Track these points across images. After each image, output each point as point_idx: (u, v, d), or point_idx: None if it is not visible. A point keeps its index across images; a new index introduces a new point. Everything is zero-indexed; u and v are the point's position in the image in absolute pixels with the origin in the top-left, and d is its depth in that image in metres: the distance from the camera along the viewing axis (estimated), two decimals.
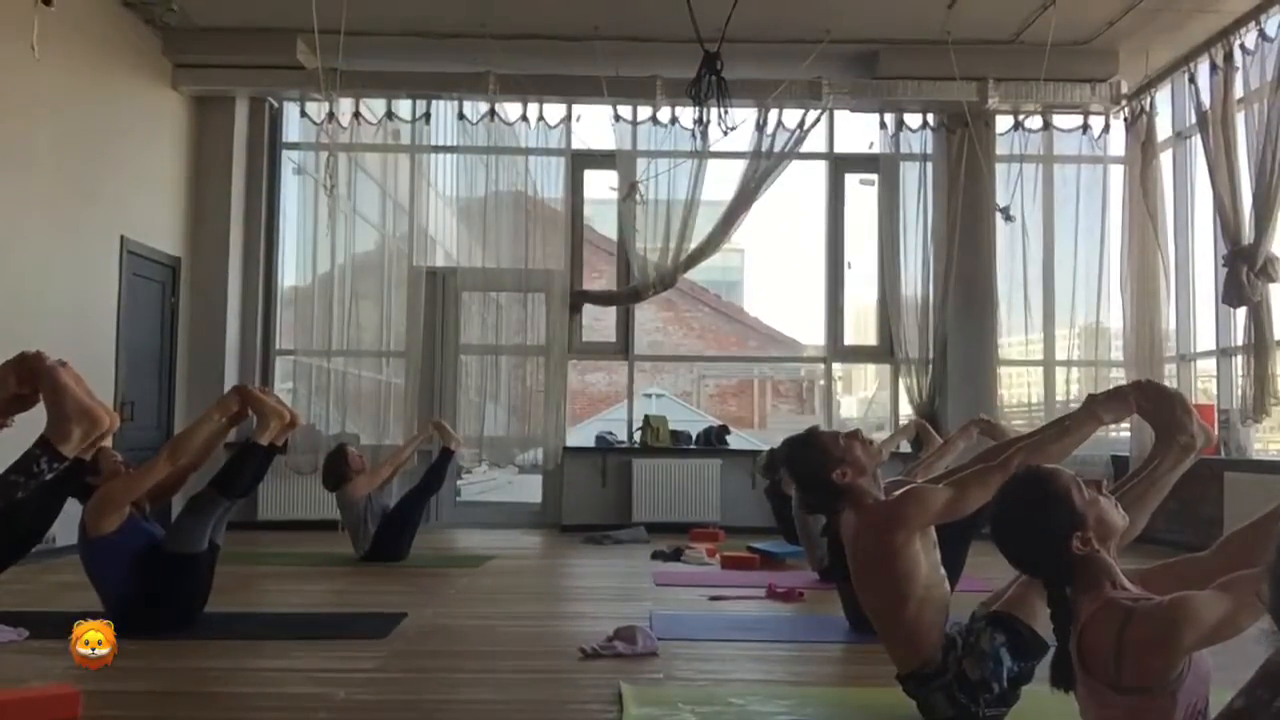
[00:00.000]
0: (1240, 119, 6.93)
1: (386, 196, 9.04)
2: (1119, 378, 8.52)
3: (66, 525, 6.53)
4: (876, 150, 8.91)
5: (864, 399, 14.90)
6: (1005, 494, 2.34)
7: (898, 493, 3.00)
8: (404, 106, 8.70)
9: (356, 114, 8.58)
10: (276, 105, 8.89)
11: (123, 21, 7.45)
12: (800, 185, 9.72)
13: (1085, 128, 8.60)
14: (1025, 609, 2.71)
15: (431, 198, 9.01)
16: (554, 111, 8.62)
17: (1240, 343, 7.00)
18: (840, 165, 9.08)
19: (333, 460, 6.38)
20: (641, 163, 8.59)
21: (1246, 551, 2.15)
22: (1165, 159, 8.28)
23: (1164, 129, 8.29)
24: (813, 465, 3.07)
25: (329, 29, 6.64)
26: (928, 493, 2.91)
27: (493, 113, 8.51)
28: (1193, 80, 7.44)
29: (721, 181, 8.69)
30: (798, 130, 8.49)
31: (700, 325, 18.44)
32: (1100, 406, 2.95)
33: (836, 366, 9.54)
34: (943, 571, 2.96)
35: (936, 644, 2.78)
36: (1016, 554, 2.30)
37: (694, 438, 8.97)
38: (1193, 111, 7.48)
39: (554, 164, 8.70)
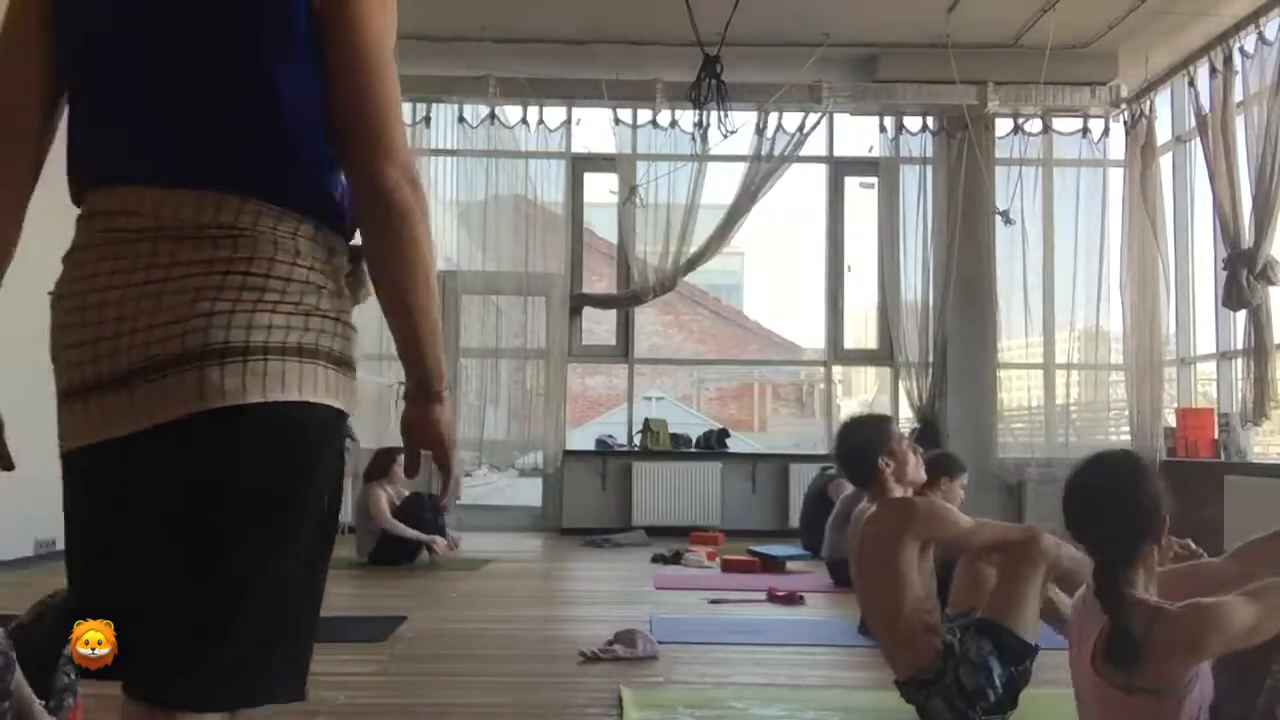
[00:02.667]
0: (1240, 122, 6.94)
1: None
2: (1119, 381, 8.54)
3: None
4: (876, 154, 8.92)
5: (864, 402, 14.90)
6: (1106, 463, 2.30)
7: (921, 499, 3.02)
8: (404, 109, 8.70)
9: None
10: None
11: None
12: (800, 188, 9.73)
13: (1085, 131, 8.61)
14: (1009, 611, 2.73)
15: (431, 201, 8.99)
16: (554, 115, 8.63)
17: (1240, 346, 7.00)
18: (840, 168, 9.09)
19: (384, 455, 6.45)
20: (641, 166, 8.59)
21: (1265, 560, 2.15)
22: (1165, 162, 8.28)
23: (1163, 132, 8.30)
24: (870, 440, 3.13)
25: None
26: (949, 512, 2.94)
27: (493, 116, 8.52)
28: (1192, 84, 7.45)
29: (721, 185, 8.71)
30: (797, 133, 8.49)
31: (700, 328, 18.45)
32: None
33: (836, 369, 9.55)
34: (936, 600, 2.97)
35: (935, 651, 2.79)
36: (1096, 523, 2.23)
37: (694, 441, 8.97)
38: (1192, 115, 7.49)
39: (554, 167, 8.71)
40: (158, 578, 1.23)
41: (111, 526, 1.27)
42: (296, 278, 1.28)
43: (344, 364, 1.32)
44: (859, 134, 9.11)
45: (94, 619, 1.28)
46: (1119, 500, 2.18)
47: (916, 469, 3.12)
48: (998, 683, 2.70)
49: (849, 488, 5.82)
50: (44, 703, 2.48)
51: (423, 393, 1.36)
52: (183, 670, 1.23)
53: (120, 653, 1.27)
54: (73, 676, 2.58)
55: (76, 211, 1.42)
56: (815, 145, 8.77)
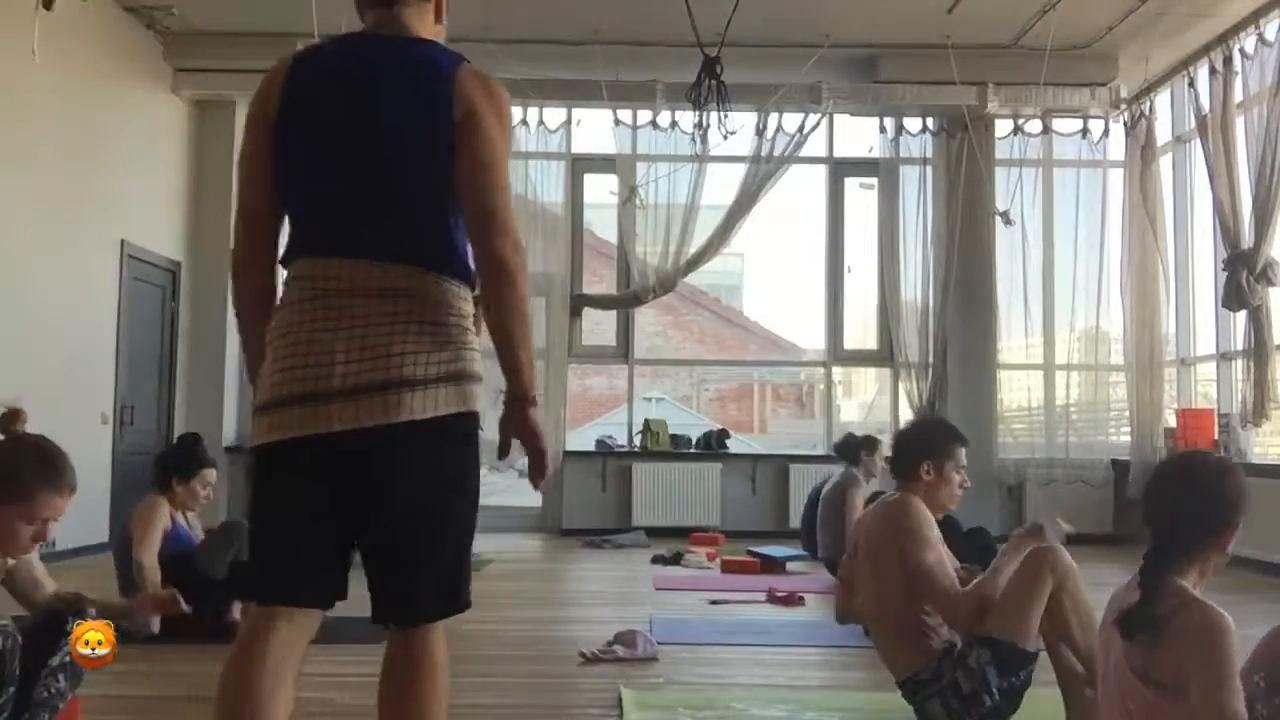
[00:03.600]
0: (1240, 123, 6.94)
1: None
2: (1119, 381, 8.54)
3: (69, 527, 6.53)
4: (876, 154, 8.93)
5: (864, 403, 14.88)
6: (1199, 457, 2.27)
7: (922, 508, 2.94)
8: None
9: None
10: None
11: (123, 26, 7.46)
12: (800, 189, 9.71)
13: (1085, 132, 8.61)
14: (1011, 623, 2.73)
15: None
16: (554, 115, 8.63)
17: (1240, 347, 7.01)
18: (840, 169, 9.10)
19: None
20: (641, 167, 8.59)
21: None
22: (1165, 163, 8.29)
23: (1163, 133, 8.30)
24: (929, 441, 3.08)
25: (329, 34, 6.64)
26: (932, 537, 2.87)
27: None
28: (1192, 84, 7.45)
29: (721, 185, 8.71)
30: (797, 134, 8.50)
31: (700, 329, 18.41)
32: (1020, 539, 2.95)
33: (836, 370, 9.55)
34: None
35: (932, 651, 2.79)
36: (1168, 507, 2.20)
37: (694, 441, 8.97)
38: (1192, 116, 7.49)
39: (554, 168, 8.71)
40: (394, 541, 1.88)
41: (326, 501, 1.84)
42: (450, 323, 1.88)
43: (476, 379, 1.92)
44: (859, 135, 9.12)
45: (308, 568, 1.87)
46: (1198, 489, 2.17)
47: (948, 498, 3.03)
48: (995, 690, 2.70)
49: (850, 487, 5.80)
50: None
51: (520, 400, 1.92)
52: (432, 596, 1.91)
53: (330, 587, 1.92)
54: (52, 691, 2.44)
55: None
56: (815, 146, 8.77)
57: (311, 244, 1.90)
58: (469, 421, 1.91)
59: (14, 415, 2.41)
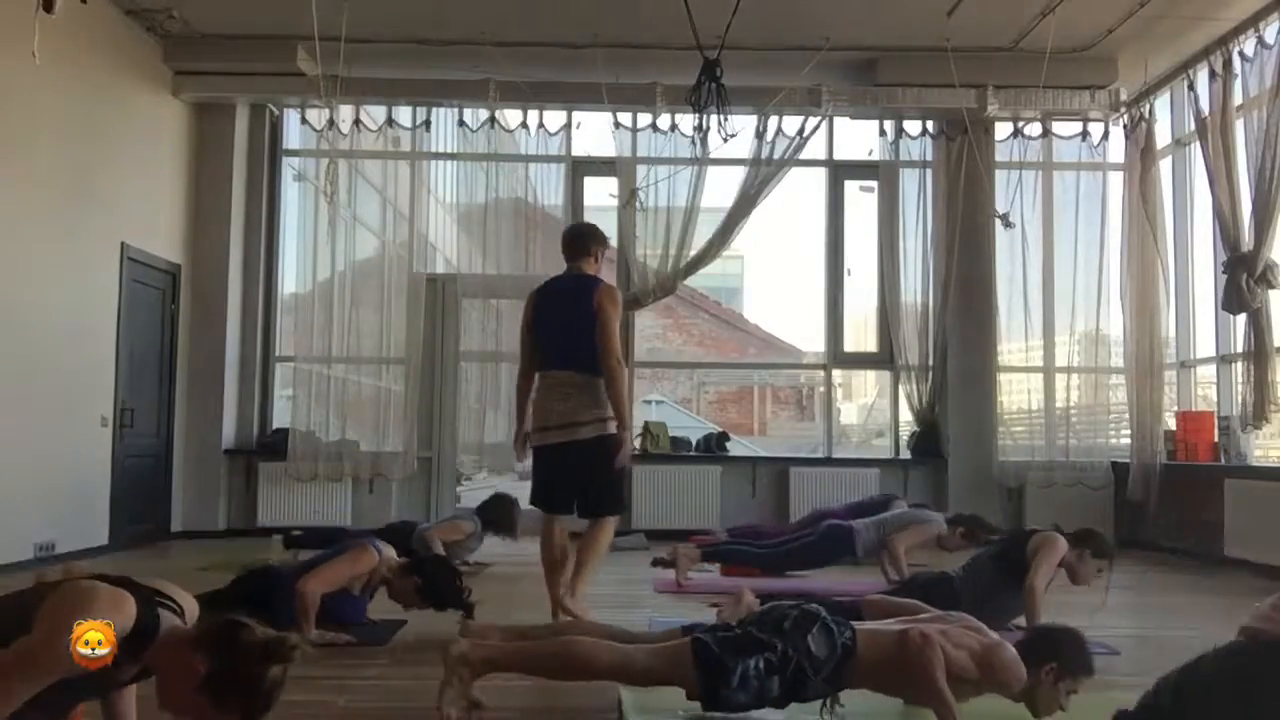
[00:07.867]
0: (1239, 126, 6.94)
1: (387, 203, 9.05)
2: (1119, 384, 8.54)
3: (67, 530, 6.54)
4: (876, 157, 8.93)
5: (864, 406, 14.89)
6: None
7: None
8: (404, 113, 8.70)
9: (357, 121, 8.59)
10: (277, 112, 8.90)
11: (124, 29, 7.47)
12: (800, 192, 9.74)
13: (1084, 135, 8.60)
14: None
15: (432, 204, 9.01)
16: (554, 118, 8.63)
17: (1240, 349, 7.01)
18: (840, 172, 9.09)
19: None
20: (641, 169, 8.58)
21: None
22: (1165, 166, 8.29)
23: (1163, 136, 8.31)
24: (1068, 654, 3.01)
25: (329, 36, 6.65)
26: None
27: (493, 120, 8.52)
28: (1192, 87, 7.46)
29: (721, 188, 8.72)
30: (797, 137, 8.50)
31: (700, 332, 18.43)
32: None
33: (836, 373, 9.54)
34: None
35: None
36: None
37: (694, 444, 8.96)
38: (1192, 118, 7.50)
39: (554, 171, 8.71)
40: (582, 484, 4.59)
41: (556, 470, 4.60)
42: (597, 395, 4.56)
43: (610, 419, 4.54)
44: (859, 137, 9.14)
45: (554, 497, 4.65)
46: None
47: (1036, 704, 2.95)
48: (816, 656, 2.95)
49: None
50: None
51: (623, 430, 4.57)
52: (598, 507, 4.64)
53: (572, 506, 4.64)
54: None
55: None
56: (815, 149, 8.77)
57: (549, 363, 4.58)
58: (609, 436, 4.48)
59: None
